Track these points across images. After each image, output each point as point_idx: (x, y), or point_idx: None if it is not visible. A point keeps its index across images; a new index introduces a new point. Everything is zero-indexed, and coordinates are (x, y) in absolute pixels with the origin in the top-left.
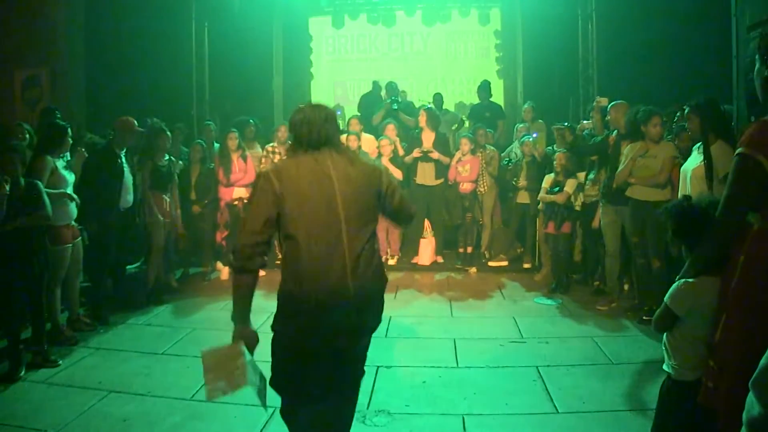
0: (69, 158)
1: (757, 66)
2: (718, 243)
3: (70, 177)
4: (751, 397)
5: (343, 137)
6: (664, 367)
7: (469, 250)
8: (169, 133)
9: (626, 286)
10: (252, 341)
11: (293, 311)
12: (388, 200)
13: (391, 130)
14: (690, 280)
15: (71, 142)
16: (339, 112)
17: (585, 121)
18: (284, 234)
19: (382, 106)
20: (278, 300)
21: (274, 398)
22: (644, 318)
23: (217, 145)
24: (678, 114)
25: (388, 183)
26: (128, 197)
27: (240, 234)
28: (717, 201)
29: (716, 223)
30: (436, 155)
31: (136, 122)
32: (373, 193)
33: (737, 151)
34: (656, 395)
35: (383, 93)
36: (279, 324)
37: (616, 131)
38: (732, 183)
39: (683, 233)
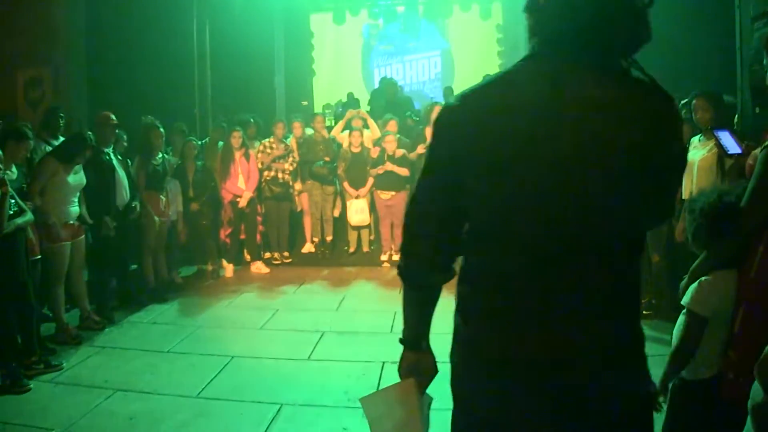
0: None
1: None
2: (742, 236)
3: (81, 180)
4: (756, 384)
5: (338, 129)
6: None
7: None
8: (162, 129)
9: None
10: (429, 372)
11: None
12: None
13: (392, 126)
14: (708, 277)
15: (87, 156)
16: (341, 109)
17: None
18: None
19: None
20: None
21: (281, 395)
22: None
23: (221, 144)
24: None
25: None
26: (124, 195)
27: (405, 234)
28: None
29: (741, 216)
30: None
31: (112, 116)
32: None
33: (765, 144)
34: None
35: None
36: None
37: None
38: (759, 175)
39: (716, 232)
